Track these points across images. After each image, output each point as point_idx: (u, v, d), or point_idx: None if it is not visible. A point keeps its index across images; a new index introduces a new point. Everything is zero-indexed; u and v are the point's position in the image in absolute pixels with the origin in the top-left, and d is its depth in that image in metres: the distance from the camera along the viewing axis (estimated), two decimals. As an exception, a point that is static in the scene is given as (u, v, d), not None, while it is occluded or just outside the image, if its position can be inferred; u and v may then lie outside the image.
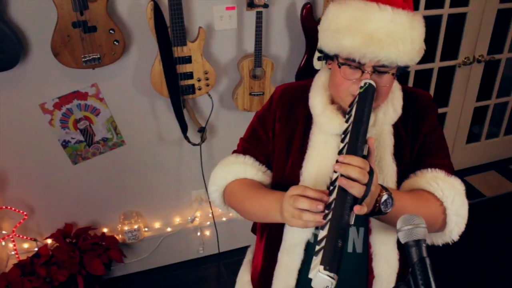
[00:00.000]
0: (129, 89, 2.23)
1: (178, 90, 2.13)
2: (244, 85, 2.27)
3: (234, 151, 1.36)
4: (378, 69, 1.07)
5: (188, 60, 2.09)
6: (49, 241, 2.40)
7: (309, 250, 1.21)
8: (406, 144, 1.21)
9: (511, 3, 2.95)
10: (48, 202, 2.38)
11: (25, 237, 2.37)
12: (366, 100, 1.02)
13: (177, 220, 2.67)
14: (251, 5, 2.06)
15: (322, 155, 1.17)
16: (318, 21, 1.80)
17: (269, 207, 1.12)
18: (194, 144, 2.35)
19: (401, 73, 1.16)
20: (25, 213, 2.28)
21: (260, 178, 1.28)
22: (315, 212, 0.93)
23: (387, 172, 1.16)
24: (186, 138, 2.31)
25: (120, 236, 2.52)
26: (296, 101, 1.27)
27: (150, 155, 2.44)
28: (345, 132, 1.01)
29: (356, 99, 1.04)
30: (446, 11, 2.81)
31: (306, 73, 2.31)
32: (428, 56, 2.99)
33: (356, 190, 0.89)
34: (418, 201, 1.11)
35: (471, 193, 3.28)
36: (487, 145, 3.56)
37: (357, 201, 0.90)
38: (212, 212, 2.63)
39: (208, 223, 2.69)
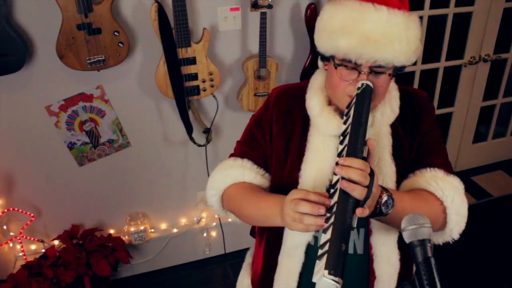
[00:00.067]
0: (134, 91, 2.23)
1: (183, 91, 2.14)
2: (249, 86, 2.27)
3: (232, 155, 1.35)
4: (375, 70, 1.06)
5: (192, 61, 2.09)
6: (56, 242, 2.41)
7: (309, 253, 1.20)
8: (404, 144, 1.20)
9: (517, 2, 2.94)
10: (54, 204, 2.40)
11: (32, 239, 2.39)
12: (364, 101, 1.02)
13: (183, 221, 2.67)
14: (255, 6, 2.06)
15: (320, 157, 1.17)
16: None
17: (269, 211, 1.11)
18: (199, 145, 2.35)
19: (399, 73, 1.15)
20: (32, 214, 2.29)
21: (258, 181, 1.27)
22: (317, 216, 0.93)
23: (386, 173, 1.16)
24: (192, 139, 2.31)
25: (127, 237, 2.53)
26: (293, 103, 1.27)
27: (155, 156, 2.45)
28: (343, 134, 1.00)
29: (354, 100, 1.04)
30: (451, 10, 2.80)
31: (311, 74, 2.28)
32: (433, 56, 2.98)
33: (357, 192, 0.88)
34: (419, 201, 1.11)
35: (478, 193, 3.27)
36: (494, 145, 3.53)
37: (358, 203, 0.89)
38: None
39: (214, 224, 2.69)
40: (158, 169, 2.49)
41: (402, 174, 1.19)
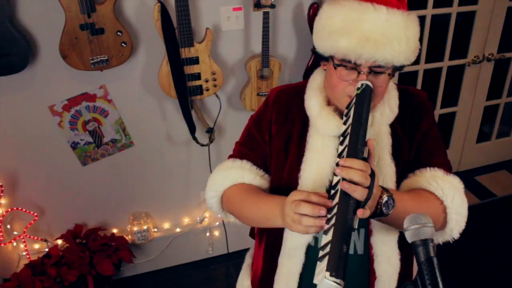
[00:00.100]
0: (137, 91, 2.24)
1: (186, 91, 2.14)
2: (251, 86, 2.27)
3: (231, 156, 1.34)
4: (374, 70, 1.06)
5: (195, 61, 2.09)
6: (59, 241, 2.42)
7: (310, 253, 1.20)
8: (404, 144, 1.20)
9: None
10: (58, 203, 2.40)
11: (36, 238, 2.40)
12: (364, 102, 1.01)
13: (186, 220, 2.67)
14: (258, 5, 2.06)
15: (320, 158, 1.17)
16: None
17: (270, 212, 1.11)
18: (202, 145, 2.35)
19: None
20: (35, 214, 2.30)
21: (258, 182, 1.26)
22: (317, 217, 0.92)
23: (386, 173, 1.15)
24: (195, 138, 2.31)
25: (130, 236, 2.53)
26: (292, 103, 1.26)
27: (158, 156, 2.45)
28: (343, 135, 1.00)
29: (354, 100, 1.03)
30: (455, 9, 2.79)
31: (314, 73, 2.30)
32: (437, 55, 2.97)
33: (358, 193, 0.88)
34: (419, 201, 1.11)
35: (481, 193, 3.26)
36: (497, 144, 3.52)
37: (359, 204, 0.89)
38: (220, 213, 2.63)
39: (217, 223, 2.70)
40: (161, 169, 2.49)
41: (401, 174, 1.19)
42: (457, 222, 1.14)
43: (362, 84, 1.04)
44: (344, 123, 1.03)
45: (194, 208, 2.66)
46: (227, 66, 2.30)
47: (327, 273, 0.80)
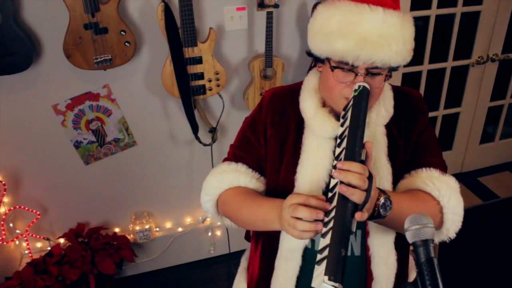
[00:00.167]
0: (141, 90, 2.24)
1: (189, 90, 2.14)
2: (255, 85, 2.27)
3: (226, 159, 1.34)
4: (371, 71, 1.06)
5: (198, 60, 2.09)
6: (61, 240, 2.42)
7: (307, 255, 1.19)
8: (399, 144, 1.20)
9: (526, 2, 2.91)
10: (60, 202, 2.41)
11: (38, 236, 2.40)
12: (361, 104, 1.01)
13: (188, 220, 2.68)
14: (261, 5, 2.06)
15: (316, 160, 1.16)
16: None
17: (267, 215, 1.10)
18: (205, 145, 2.35)
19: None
20: (38, 212, 2.31)
21: (254, 185, 1.26)
22: (313, 221, 0.92)
23: (383, 174, 1.15)
24: (197, 138, 2.31)
25: (132, 236, 2.54)
26: (286, 105, 1.26)
27: (161, 156, 2.45)
28: (341, 137, 1.00)
29: (351, 102, 1.03)
30: (459, 9, 2.78)
31: (317, 73, 2.30)
32: (441, 56, 2.96)
33: (357, 197, 0.88)
34: (416, 202, 1.11)
35: (485, 194, 3.25)
36: (501, 146, 3.51)
37: (357, 207, 0.89)
38: (223, 213, 2.63)
39: (219, 223, 2.69)
40: (164, 168, 2.49)
41: (398, 174, 1.19)
42: (453, 222, 1.14)
43: (359, 86, 1.04)
44: (341, 125, 1.03)
45: (196, 208, 2.67)
46: (231, 66, 2.30)
47: (326, 277, 0.80)
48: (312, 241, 1.20)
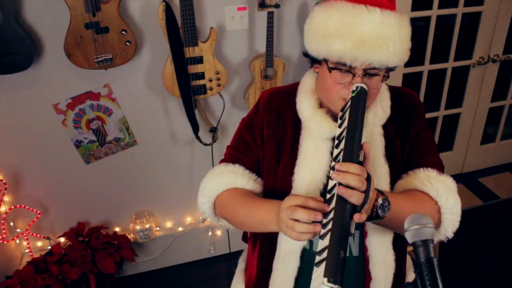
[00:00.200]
0: (141, 90, 2.24)
1: (190, 90, 2.14)
2: (255, 85, 2.27)
3: (222, 160, 1.33)
4: (369, 72, 1.06)
5: (199, 60, 2.09)
6: (62, 239, 2.43)
7: (305, 256, 1.19)
8: (396, 145, 1.20)
9: (527, 2, 2.91)
10: (61, 201, 2.41)
11: (38, 236, 2.40)
12: (359, 105, 1.01)
13: (189, 219, 2.68)
14: (262, 5, 2.06)
15: (313, 160, 1.16)
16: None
17: (265, 217, 1.10)
18: (205, 144, 2.36)
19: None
20: (38, 212, 2.31)
21: (251, 187, 1.25)
22: (311, 222, 0.92)
23: (380, 174, 1.15)
24: (198, 138, 2.31)
25: (132, 235, 2.54)
26: (283, 106, 1.25)
27: (162, 155, 2.45)
28: (339, 138, 0.99)
29: (349, 103, 1.03)
30: (460, 10, 2.78)
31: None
32: (441, 56, 2.96)
33: (355, 198, 0.88)
34: (414, 202, 1.11)
35: (485, 194, 3.25)
36: (502, 146, 3.50)
37: (355, 209, 0.89)
38: (223, 212, 2.63)
39: (220, 223, 2.69)
40: (164, 168, 2.50)
41: (395, 175, 1.19)
42: (451, 221, 1.14)
43: (357, 87, 1.04)
44: (339, 126, 1.03)
45: (196, 207, 2.61)
46: (231, 66, 2.30)
47: (325, 279, 0.80)
48: (310, 242, 1.19)
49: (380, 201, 0.98)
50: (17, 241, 2.39)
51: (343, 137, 0.97)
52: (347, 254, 1.18)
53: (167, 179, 2.53)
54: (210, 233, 2.71)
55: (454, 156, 3.39)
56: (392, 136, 1.20)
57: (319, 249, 0.87)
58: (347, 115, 1.01)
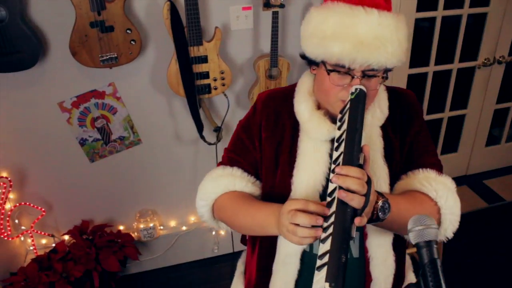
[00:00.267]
0: (146, 88, 2.25)
1: (194, 89, 2.15)
2: (260, 85, 2.27)
3: (220, 163, 1.32)
4: (367, 73, 1.05)
5: (204, 59, 2.10)
6: (66, 237, 2.44)
7: (305, 259, 1.19)
8: (395, 145, 1.20)
9: (534, 3, 2.89)
10: (65, 199, 2.42)
11: (43, 233, 2.42)
12: (358, 107, 1.00)
13: (192, 219, 2.68)
14: (267, 5, 2.06)
15: (312, 162, 1.15)
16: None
17: (264, 220, 1.09)
18: (209, 144, 2.36)
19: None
20: (43, 209, 2.32)
21: (249, 189, 1.24)
22: (313, 227, 0.91)
23: (380, 175, 1.15)
24: (202, 137, 2.32)
25: (136, 233, 2.54)
26: (281, 108, 1.24)
27: (166, 154, 2.46)
28: (338, 140, 0.99)
29: (348, 105, 1.02)
30: (465, 11, 2.77)
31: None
32: (447, 57, 2.95)
33: (356, 202, 0.87)
34: (414, 203, 1.10)
35: (490, 197, 3.23)
36: (507, 148, 3.49)
37: (356, 212, 0.88)
38: (226, 212, 2.63)
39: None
40: (169, 167, 2.50)
41: (394, 175, 1.19)
42: (451, 222, 1.14)
43: (356, 89, 1.03)
44: (338, 129, 1.02)
45: (200, 207, 2.66)
46: (236, 65, 2.30)
47: (327, 284, 0.80)
48: (310, 244, 1.18)
49: (380, 203, 0.97)
50: (22, 238, 2.40)
51: (343, 139, 0.97)
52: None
53: (171, 178, 2.54)
54: (213, 233, 2.72)
55: (459, 157, 3.37)
56: (391, 137, 1.20)
57: (320, 253, 0.86)
58: (346, 117, 1.00)
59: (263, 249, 1.26)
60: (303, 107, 1.18)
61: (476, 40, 2.95)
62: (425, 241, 0.77)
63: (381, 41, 1.00)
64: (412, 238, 0.80)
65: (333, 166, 0.94)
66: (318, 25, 1.06)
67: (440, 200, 1.12)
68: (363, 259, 1.18)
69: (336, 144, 0.99)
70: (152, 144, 2.41)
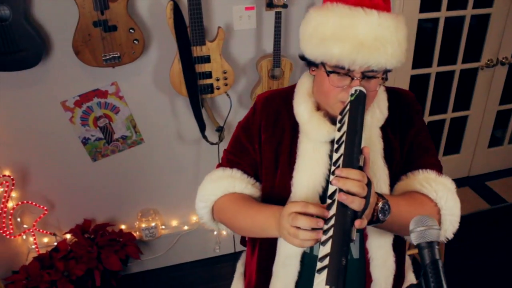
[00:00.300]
0: (148, 88, 2.25)
1: (197, 89, 2.15)
2: (262, 85, 2.27)
3: (220, 165, 1.31)
4: (367, 74, 1.04)
5: (207, 59, 2.10)
6: (68, 236, 2.44)
7: (305, 260, 1.18)
8: (395, 146, 1.19)
9: (537, 5, 2.88)
10: (68, 198, 2.43)
11: (45, 232, 2.42)
12: (358, 108, 1.00)
13: (194, 218, 2.68)
14: (270, 5, 2.06)
15: (312, 164, 1.15)
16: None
17: (265, 223, 1.09)
18: (212, 143, 2.36)
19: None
20: (45, 208, 2.32)
21: (249, 191, 1.23)
22: (313, 229, 0.91)
23: (380, 176, 1.15)
24: (204, 137, 2.32)
25: (138, 233, 2.55)
26: (280, 109, 1.24)
27: (168, 154, 2.46)
28: (338, 142, 0.98)
29: (348, 107, 1.02)
30: (469, 12, 2.77)
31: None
32: (450, 58, 2.95)
33: (356, 204, 0.87)
34: (414, 204, 1.10)
35: (492, 198, 3.23)
36: (509, 150, 3.48)
37: (357, 214, 0.88)
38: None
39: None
40: (171, 166, 2.50)
41: (394, 176, 1.18)
42: (451, 222, 1.13)
43: (356, 90, 1.03)
44: (338, 130, 1.01)
45: (202, 206, 2.66)
46: (238, 65, 2.30)
47: (327, 287, 0.80)
48: (310, 246, 1.19)
49: (380, 205, 0.97)
50: (24, 236, 2.41)
51: (343, 141, 0.96)
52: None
53: (173, 177, 2.54)
54: (215, 233, 2.72)
55: (461, 159, 3.37)
56: (390, 137, 1.19)
57: (320, 255, 0.86)
58: (346, 119, 1.00)
59: (263, 250, 1.25)
60: (303, 108, 1.18)
61: (479, 41, 2.95)
62: (426, 242, 0.77)
63: (381, 42, 1.00)
64: (413, 239, 0.80)
65: (333, 168, 0.94)
66: (317, 26, 1.06)
67: (440, 201, 1.12)
68: (363, 260, 1.18)
69: (336, 146, 0.99)
70: (154, 143, 2.41)
